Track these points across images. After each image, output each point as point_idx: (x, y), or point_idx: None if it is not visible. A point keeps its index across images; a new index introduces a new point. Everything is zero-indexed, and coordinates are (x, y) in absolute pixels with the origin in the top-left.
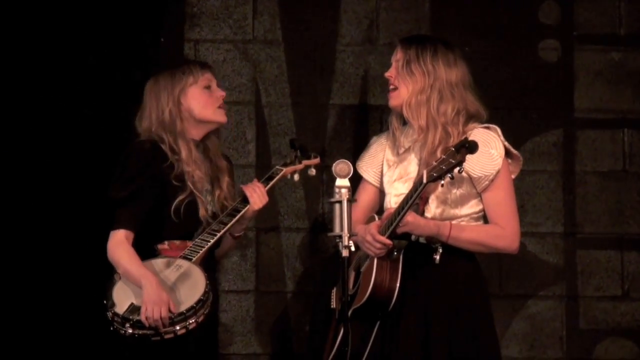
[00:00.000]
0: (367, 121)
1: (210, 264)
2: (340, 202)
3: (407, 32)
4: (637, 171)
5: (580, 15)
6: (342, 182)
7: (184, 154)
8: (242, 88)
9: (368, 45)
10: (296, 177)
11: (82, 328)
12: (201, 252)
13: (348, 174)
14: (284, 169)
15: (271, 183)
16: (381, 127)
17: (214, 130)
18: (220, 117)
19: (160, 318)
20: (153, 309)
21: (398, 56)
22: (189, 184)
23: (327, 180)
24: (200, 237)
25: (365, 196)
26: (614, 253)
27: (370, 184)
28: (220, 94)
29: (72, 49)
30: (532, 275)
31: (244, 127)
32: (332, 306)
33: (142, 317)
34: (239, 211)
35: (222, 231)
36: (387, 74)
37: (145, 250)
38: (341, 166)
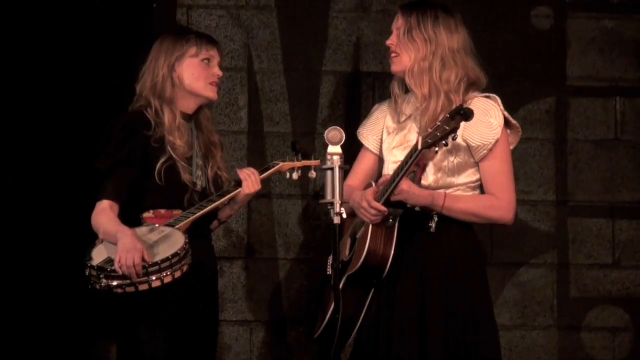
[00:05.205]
0: (359, 88)
1: (202, 233)
2: (332, 169)
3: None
4: (629, 139)
5: None
6: (334, 149)
7: (166, 120)
8: (234, 54)
9: (361, 12)
10: (295, 175)
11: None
12: (185, 221)
13: (340, 141)
14: (281, 163)
15: (266, 173)
16: (373, 93)
17: (206, 105)
18: (209, 92)
19: (134, 265)
20: (127, 256)
21: (399, 23)
22: (168, 148)
23: (319, 147)
24: (187, 210)
25: (365, 163)
26: (605, 221)
27: (370, 151)
28: (217, 72)
29: (63, 12)
30: (523, 243)
31: (236, 93)
32: (327, 272)
33: (116, 266)
34: (230, 192)
35: (210, 207)
36: (388, 42)
37: (131, 220)
38: (333, 133)
